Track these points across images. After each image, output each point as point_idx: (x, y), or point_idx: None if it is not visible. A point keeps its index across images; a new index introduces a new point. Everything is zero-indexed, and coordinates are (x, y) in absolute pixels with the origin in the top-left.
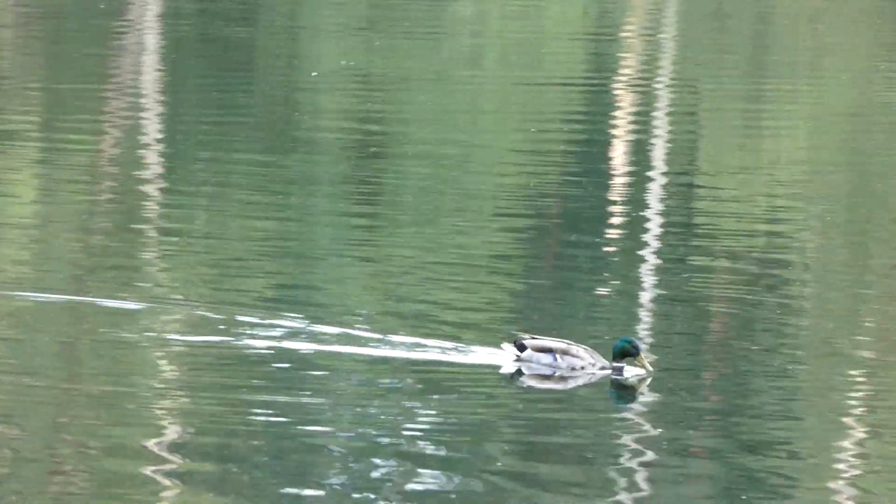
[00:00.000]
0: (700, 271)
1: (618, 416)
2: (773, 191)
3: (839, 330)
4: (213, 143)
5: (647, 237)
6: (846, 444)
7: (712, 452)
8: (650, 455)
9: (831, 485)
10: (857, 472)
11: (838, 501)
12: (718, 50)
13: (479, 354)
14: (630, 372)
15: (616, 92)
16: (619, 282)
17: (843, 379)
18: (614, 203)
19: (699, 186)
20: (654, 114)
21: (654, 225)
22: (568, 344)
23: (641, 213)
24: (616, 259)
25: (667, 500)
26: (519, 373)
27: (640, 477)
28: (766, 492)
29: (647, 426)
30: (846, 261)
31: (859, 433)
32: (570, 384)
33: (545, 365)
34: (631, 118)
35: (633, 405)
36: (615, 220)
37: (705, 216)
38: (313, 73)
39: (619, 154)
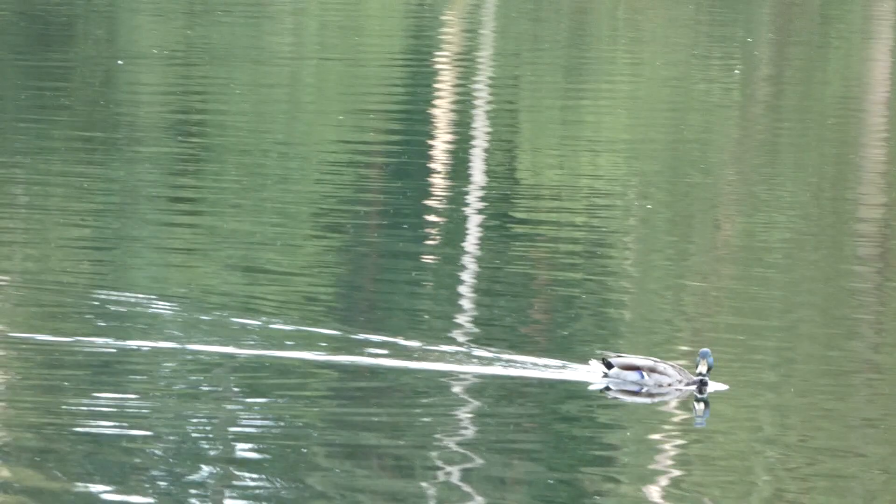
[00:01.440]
0: (520, 260)
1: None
2: (593, 183)
3: (657, 316)
4: (28, 122)
5: (468, 222)
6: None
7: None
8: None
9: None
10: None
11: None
12: (536, 41)
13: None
14: (712, 386)
15: (438, 78)
16: (438, 270)
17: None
18: (434, 191)
19: (518, 180)
20: (474, 112)
21: (473, 212)
22: (655, 361)
23: (463, 190)
24: (436, 245)
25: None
26: (606, 389)
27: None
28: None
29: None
30: (664, 245)
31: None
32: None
33: (632, 382)
34: (451, 111)
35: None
36: (435, 206)
37: (526, 210)
38: (119, 62)
39: (439, 148)
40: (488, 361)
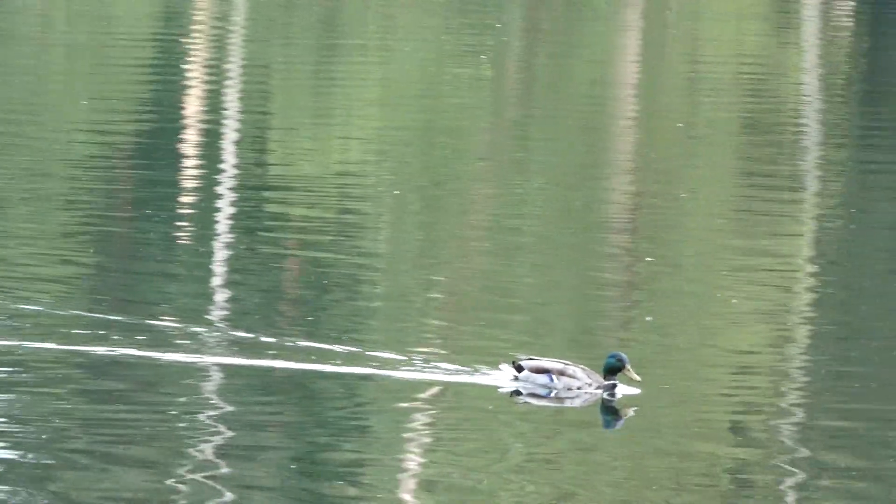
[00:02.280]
0: (270, 257)
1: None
2: (344, 169)
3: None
4: None
5: (219, 209)
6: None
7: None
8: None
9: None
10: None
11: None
12: (288, 32)
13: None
14: (622, 390)
15: (188, 63)
16: (190, 259)
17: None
18: (183, 178)
19: (271, 164)
20: (224, 96)
21: (225, 202)
22: (565, 364)
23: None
24: (187, 234)
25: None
26: (517, 393)
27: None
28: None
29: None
30: (414, 232)
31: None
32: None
33: (541, 385)
34: (203, 96)
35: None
36: (185, 194)
37: (276, 202)
38: None
39: (191, 135)
40: (392, 365)
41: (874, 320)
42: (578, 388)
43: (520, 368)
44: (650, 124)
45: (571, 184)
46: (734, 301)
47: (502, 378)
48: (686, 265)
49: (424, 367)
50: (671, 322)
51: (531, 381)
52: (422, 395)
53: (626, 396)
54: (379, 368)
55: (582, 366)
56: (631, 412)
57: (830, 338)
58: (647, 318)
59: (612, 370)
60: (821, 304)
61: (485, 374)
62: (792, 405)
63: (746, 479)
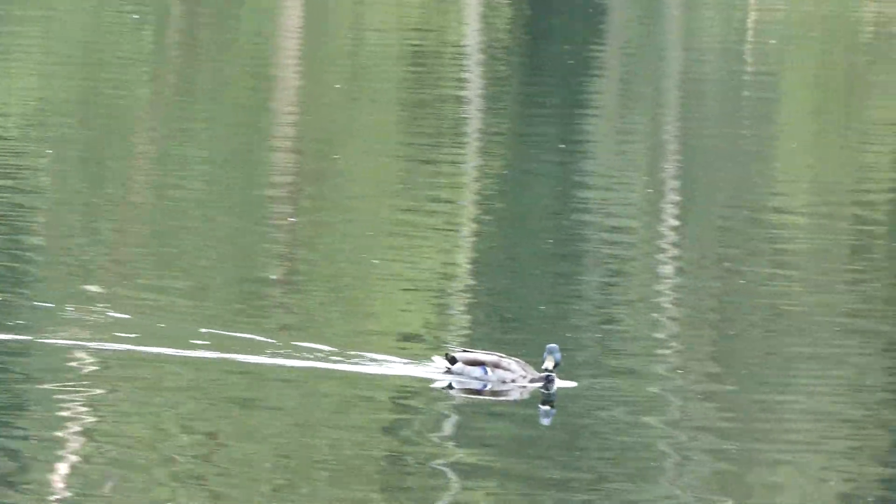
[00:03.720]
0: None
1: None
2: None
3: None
4: None
5: None
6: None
7: None
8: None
9: None
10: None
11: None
12: None
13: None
14: (558, 383)
15: None
16: None
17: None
18: None
19: None
20: None
21: None
22: (500, 357)
23: None
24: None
25: None
26: (450, 386)
27: None
28: None
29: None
30: (78, 201)
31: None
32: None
33: (475, 378)
34: None
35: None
36: None
37: None
38: None
39: None
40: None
41: (530, 286)
42: (512, 381)
43: (453, 361)
44: (312, 92)
45: (232, 150)
46: (375, 262)
47: (435, 370)
48: (340, 230)
49: None
50: (318, 284)
51: (465, 374)
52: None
53: (560, 389)
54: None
55: (516, 358)
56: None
57: (487, 300)
58: (272, 277)
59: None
60: (478, 272)
61: (417, 366)
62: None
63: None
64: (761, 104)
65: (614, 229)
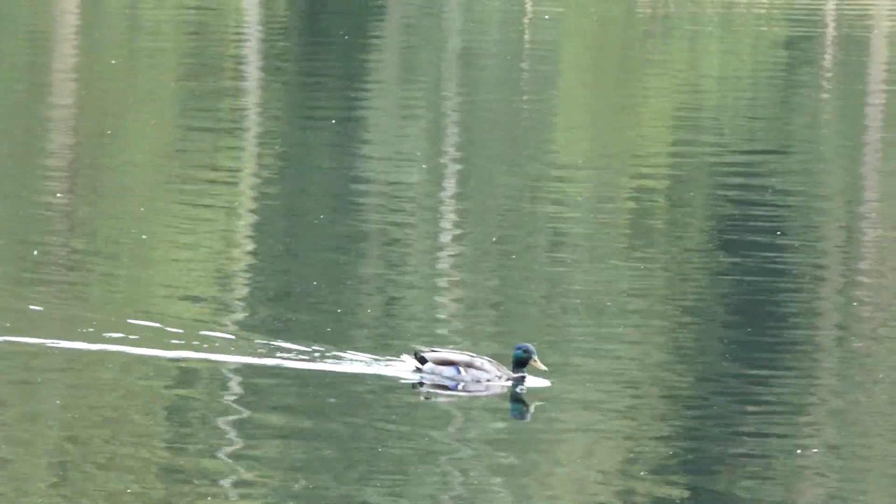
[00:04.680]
0: None
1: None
2: None
3: None
4: None
5: None
6: None
7: None
8: None
9: None
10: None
11: None
12: None
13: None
14: (530, 382)
15: None
16: None
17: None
18: None
19: None
20: None
21: None
22: (472, 356)
23: None
24: None
25: None
26: (420, 385)
27: None
28: None
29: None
30: None
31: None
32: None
33: (448, 378)
34: None
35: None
36: None
37: None
38: None
39: None
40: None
41: (306, 263)
42: (488, 381)
43: (422, 360)
44: (89, 67)
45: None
46: (144, 237)
47: (404, 369)
48: (114, 203)
49: None
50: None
51: (437, 374)
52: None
53: (530, 389)
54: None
55: (487, 357)
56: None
57: (264, 278)
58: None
59: (521, 362)
60: (256, 249)
61: (384, 364)
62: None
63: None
64: (539, 76)
65: (393, 201)
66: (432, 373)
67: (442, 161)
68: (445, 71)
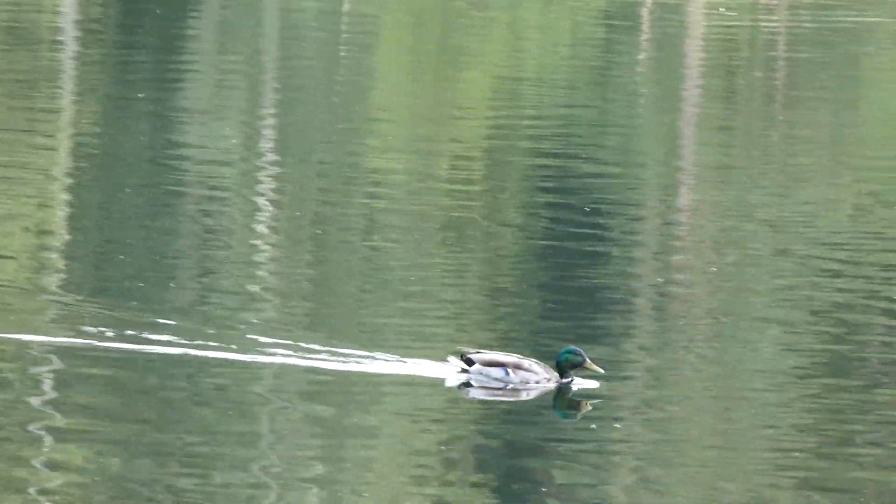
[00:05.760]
0: None
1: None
2: None
3: None
4: None
5: None
6: None
7: None
8: None
9: None
10: None
11: None
12: None
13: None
14: (578, 384)
15: None
16: None
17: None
18: None
19: None
20: None
21: None
22: (519, 358)
23: None
24: None
25: None
26: (467, 385)
27: None
28: None
29: None
30: None
31: None
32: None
33: (496, 379)
34: None
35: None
36: None
37: None
38: None
39: None
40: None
41: (122, 230)
42: (537, 383)
43: (469, 362)
44: None
45: None
46: None
47: (450, 371)
48: None
49: None
50: None
51: (484, 375)
52: None
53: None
54: None
55: (535, 359)
56: None
57: (86, 250)
58: None
59: (573, 365)
60: (74, 223)
61: (430, 366)
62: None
63: None
64: (358, 47)
65: (211, 177)
66: (480, 374)
67: (258, 129)
68: (263, 42)
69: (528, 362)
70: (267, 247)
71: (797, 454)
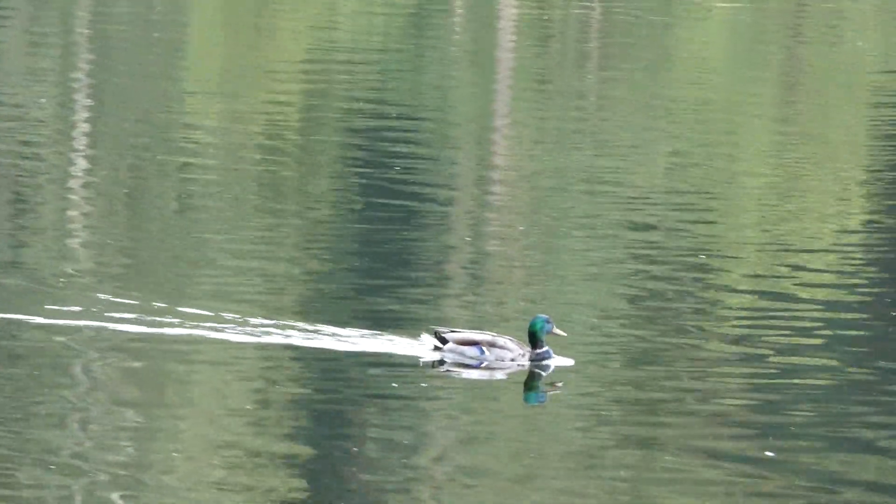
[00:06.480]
0: None
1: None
2: None
3: None
4: None
5: None
6: None
7: None
8: None
9: None
10: None
11: None
12: None
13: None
14: (556, 359)
15: None
16: None
17: None
18: None
19: None
20: None
21: None
22: (493, 336)
23: None
24: None
25: None
26: (440, 363)
27: None
28: None
29: None
30: None
31: None
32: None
33: (470, 357)
34: None
35: None
36: None
37: None
38: None
39: None
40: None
41: None
42: (511, 360)
43: (443, 340)
44: None
45: None
46: None
47: (423, 349)
48: None
49: None
50: None
51: (458, 353)
52: None
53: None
54: None
55: (509, 336)
56: None
57: None
58: None
59: (548, 332)
60: None
61: (401, 344)
62: None
63: None
64: (171, 21)
65: (24, 137)
66: (454, 352)
67: (71, 101)
68: (76, 7)
69: (502, 339)
70: (80, 209)
71: (613, 410)
